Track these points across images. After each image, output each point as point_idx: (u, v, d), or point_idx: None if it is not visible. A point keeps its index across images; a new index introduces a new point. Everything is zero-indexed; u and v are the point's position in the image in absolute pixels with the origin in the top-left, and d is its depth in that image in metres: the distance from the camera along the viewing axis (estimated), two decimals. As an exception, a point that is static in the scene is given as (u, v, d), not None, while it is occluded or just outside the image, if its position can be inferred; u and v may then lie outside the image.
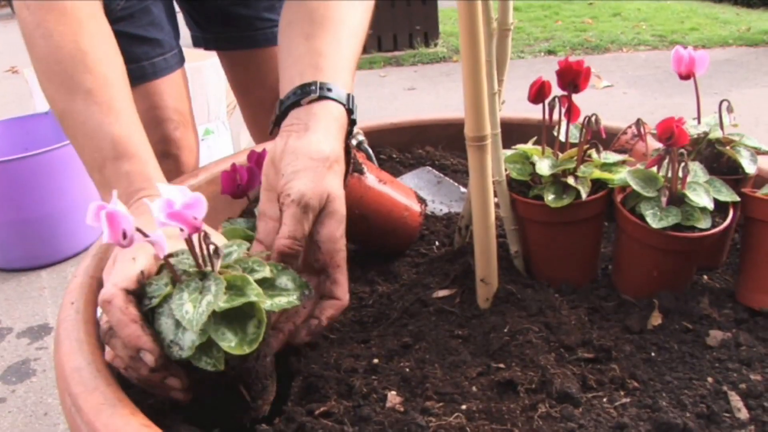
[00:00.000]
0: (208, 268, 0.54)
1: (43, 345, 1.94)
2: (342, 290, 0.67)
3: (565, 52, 4.97)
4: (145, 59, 1.15)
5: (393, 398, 0.60)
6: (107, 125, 0.74)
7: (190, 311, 0.51)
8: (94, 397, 0.54)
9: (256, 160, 0.75)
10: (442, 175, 0.99)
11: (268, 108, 1.33)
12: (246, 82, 1.36)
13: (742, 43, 4.90)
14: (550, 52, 5.00)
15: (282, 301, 0.55)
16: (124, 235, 0.51)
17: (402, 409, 0.59)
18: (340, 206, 0.67)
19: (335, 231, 0.67)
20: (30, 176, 2.18)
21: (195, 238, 0.54)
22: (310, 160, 0.67)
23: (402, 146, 1.10)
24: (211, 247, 0.54)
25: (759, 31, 5.09)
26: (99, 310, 0.63)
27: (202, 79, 2.61)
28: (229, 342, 0.52)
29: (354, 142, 0.96)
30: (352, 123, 0.76)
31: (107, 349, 0.58)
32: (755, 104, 3.47)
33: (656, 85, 4.11)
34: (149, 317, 0.55)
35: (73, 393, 0.55)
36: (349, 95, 0.75)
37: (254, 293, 0.52)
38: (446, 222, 0.89)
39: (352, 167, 0.76)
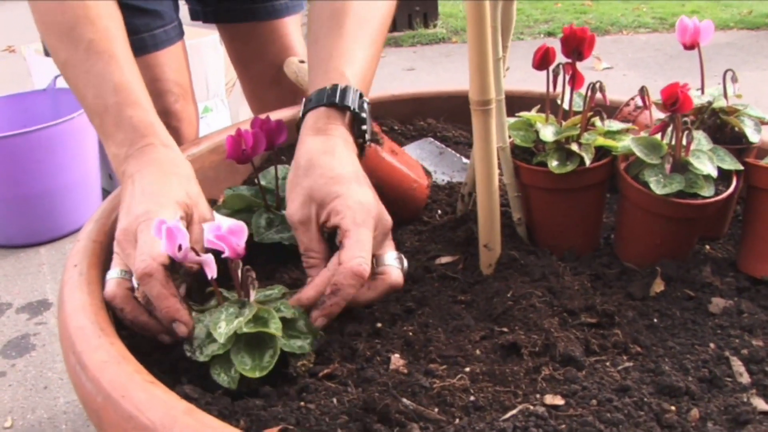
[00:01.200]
0: (245, 299, 0.61)
1: (42, 320, 1.95)
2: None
3: (531, 36, 4.96)
4: (145, 31, 1.14)
5: (396, 361, 0.60)
6: (109, 73, 0.75)
7: (222, 327, 0.59)
8: (99, 354, 0.54)
9: (261, 125, 0.75)
10: (443, 146, 0.99)
11: (268, 82, 1.32)
12: (246, 57, 1.35)
13: (743, 27, 4.88)
14: (549, 34, 4.98)
15: (296, 343, 0.61)
16: (180, 248, 0.59)
17: (406, 371, 0.59)
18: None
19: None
20: (29, 153, 2.18)
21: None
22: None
23: (403, 118, 1.09)
24: (249, 278, 0.61)
25: (760, 14, 5.06)
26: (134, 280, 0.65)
27: (201, 56, 2.60)
28: (245, 365, 0.59)
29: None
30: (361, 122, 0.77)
31: (107, 289, 0.65)
32: (756, 87, 3.46)
33: (656, 67, 4.09)
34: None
35: (77, 351, 0.55)
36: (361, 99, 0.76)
37: (275, 326, 0.59)
38: (448, 191, 0.89)
39: (369, 137, 0.77)
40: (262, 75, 1.32)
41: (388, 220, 0.71)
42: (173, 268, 0.64)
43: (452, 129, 1.07)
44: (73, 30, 0.77)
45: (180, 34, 1.22)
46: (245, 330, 0.58)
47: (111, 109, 0.74)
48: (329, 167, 0.70)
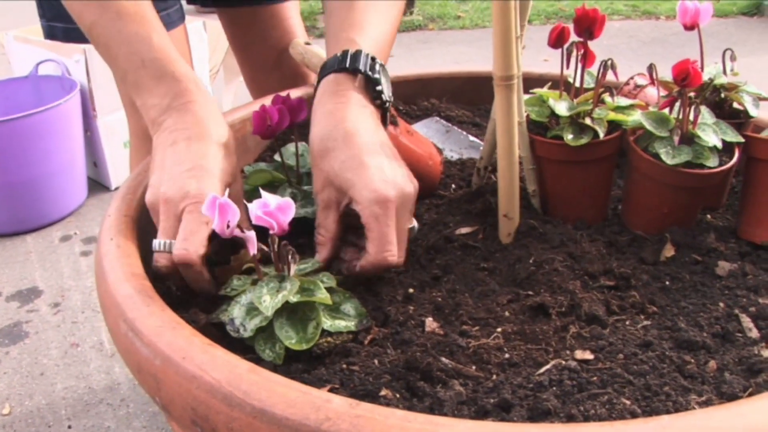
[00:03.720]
0: (285, 273, 0.63)
1: (33, 308, 1.94)
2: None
3: (540, 21, 5.00)
4: None
5: (430, 324, 0.63)
6: (145, 32, 0.76)
7: (267, 300, 0.60)
8: (152, 320, 0.56)
9: (283, 102, 0.77)
10: (450, 124, 1.02)
11: (269, 67, 1.33)
12: (246, 41, 1.35)
13: (713, 14, 4.98)
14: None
15: (341, 324, 0.63)
16: (228, 225, 0.61)
17: (442, 332, 0.62)
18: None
19: None
20: (12, 140, 2.16)
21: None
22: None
23: (407, 98, 1.12)
24: (289, 253, 0.62)
25: (728, 2, 5.17)
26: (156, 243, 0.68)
27: (184, 43, 2.59)
28: (290, 339, 0.60)
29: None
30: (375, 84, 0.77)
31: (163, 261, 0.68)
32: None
33: (630, 53, 4.17)
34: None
35: (129, 318, 0.57)
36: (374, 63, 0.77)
37: (322, 294, 0.61)
38: (460, 167, 0.92)
39: (389, 98, 0.78)
40: (263, 60, 1.33)
41: (409, 192, 0.69)
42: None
43: (455, 109, 1.10)
44: None
45: (182, 17, 1.23)
46: (293, 300, 0.60)
47: (149, 64, 0.75)
48: (343, 145, 0.70)
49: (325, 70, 0.77)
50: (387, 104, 0.78)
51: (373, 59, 0.77)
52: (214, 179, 0.70)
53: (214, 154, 0.72)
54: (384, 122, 0.77)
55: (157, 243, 0.67)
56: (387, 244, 0.66)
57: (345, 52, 0.76)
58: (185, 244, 0.65)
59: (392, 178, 0.69)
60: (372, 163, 0.69)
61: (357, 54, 0.76)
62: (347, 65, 0.75)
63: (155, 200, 0.70)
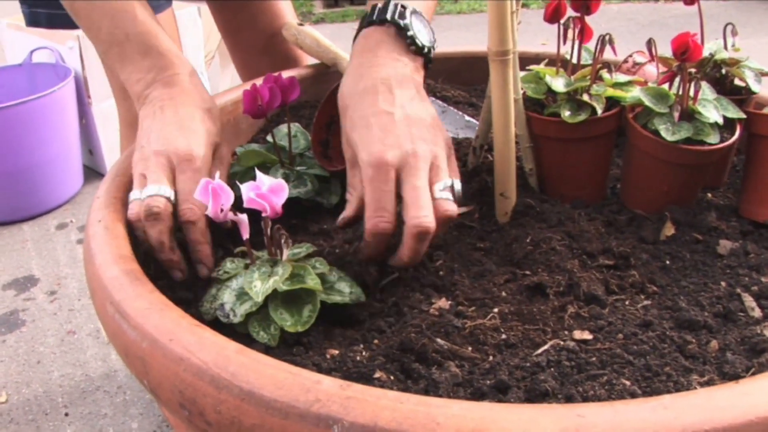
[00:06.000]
0: (278, 257, 0.62)
1: (30, 296, 1.93)
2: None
3: (537, 5, 4.97)
4: None
5: (426, 304, 0.62)
6: (130, 8, 0.77)
7: (258, 286, 0.58)
8: (139, 302, 0.55)
9: (274, 81, 0.75)
10: (445, 104, 1.00)
11: (260, 51, 1.32)
12: (236, 26, 1.33)
13: (712, -4, 4.95)
14: (523, 5, 4.98)
15: (336, 298, 0.62)
16: (221, 210, 0.60)
17: (437, 313, 0.60)
18: None
19: None
20: (8, 128, 2.14)
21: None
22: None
23: (403, 80, 1.10)
24: (282, 237, 0.61)
25: (728, -17, 5.13)
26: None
27: (179, 29, 2.56)
28: (285, 322, 0.58)
29: None
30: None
31: (132, 209, 0.68)
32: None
33: (629, 36, 4.14)
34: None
35: (115, 300, 0.55)
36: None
37: (312, 281, 0.59)
38: (456, 146, 0.90)
39: (428, 42, 0.76)
40: (254, 44, 1.31)
41: (420, 151, 0.64)
42: None
43: (451, 89, 1.09)
44: None
45: (169, 2, 1.21)
46: (284, 288, 0.58)
47: (133, 38, 0.75)
48: (358, 102, 0.68)
49: (358, 27, 0.77)
50: (426, 49, 0.75)
51: (404, 7, 0.74)
52: (200, 138, 0.71)
53: (201, 117, 0.74)
54: (426, 67, 0.76)
55: (151, 188, 0.67)
56: (378, 210, 0.62)
57: (373, 6, 0.75)
58: (189, 204, 0.66)
59: (396, 139, 0.65)
60: (379, 122, 0.66)
61: (386, 5, 0.74)
62: (374, 18, 0.74)
63: (143, 156, 0.70)
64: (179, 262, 0.67)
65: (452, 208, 0.64)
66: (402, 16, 0.73)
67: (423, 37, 0.74)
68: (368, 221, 0.63)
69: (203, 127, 0.73)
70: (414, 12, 0.75)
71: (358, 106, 0.68)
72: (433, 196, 0.63)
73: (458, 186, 0.66)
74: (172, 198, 0.68)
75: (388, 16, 0.73)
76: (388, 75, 0.70)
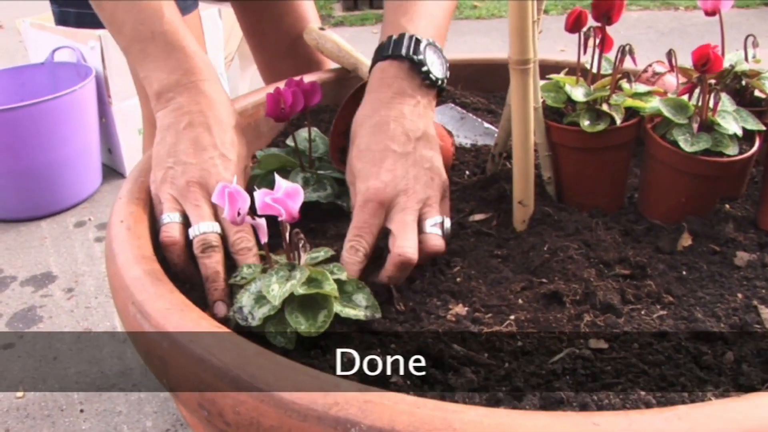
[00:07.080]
0: (296, 262, 0.62)
1: (47, 293, 1.95)
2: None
3: (557, 11, 4.96)
4: None
5: (443, 310, 0.63)
6: (157, 6, 0.76)
7: (276, 289, 0.59)
8: (161, 303, 0.55)
9: (296, 85, 0.76)
10: (464, 111, 1.01)
11: (283, 54, 1.33)
12: (260, 28, 1.35)
13: (734, 5, 4.92)
14: (545, 12, 4.99)
15: (351, 312, 0.61)
16: (239, 213, 0.60)
17: (454, 319, 0.61)
18: None
19: None
20: (29, 126, 2.17)
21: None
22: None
23: (422, 85, 1.11)
24: (300, 242, 0.62)
25: (750, -8, 5.10)
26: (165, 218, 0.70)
27: (199, 30, 2.59)
28: (300, 325, 0.59)
29: None
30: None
31: (169, 232, 0.68)
32: (746, 63, 3.50)
33: (648, 44, 4.12)
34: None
35: (137, 300, 0.56)
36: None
37: (329, 287, 0.60)
38: (474, 153, 0.91)
39: (441, 76, 0.78)
40: (277, 47, 1.32)
41: (411, 189, 0.69)
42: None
43: (470, 96, 1.09)
44: None
45: (196, 2, 1.23)
46: (300, 292, 0.59)
47: (159, 36, 0.75)
48: (367, 135, 0.72)
49: (375, 57, 0.78)
50: (439, 81, 0.77)
51: (418, 40, 0.76)
52: (235, 167, 0.73)
53: (232, 140, 0.75)
54: (439, 95, 0.78)
55: (196, 228, 0.68)
56: (353, 236, 0.67)
57: (389, 38, 0.76)
58: (241, 231, 0.68)
59: (394, 179, 0.69)
60: (382, 159, 0.70)
61: (400, 38, 0.76)
62: (390, 52, 0.75)
63: (174, 180, 0.70)
64: (227, 294, 0.66)
65: (440, 243, 0.69)
66: (416, 51, 0.75)
67: (436, 71, 0.77)
68: (346, 243, 0.67)
69: (236, 155, 0.74)
70: (429, 45, 0.77)
71: (367, 138, 0.72)
72: (424, 231, 0.68)
73: (448, 224, 0.71)
74: (220, 231, 0.69)
75: (403, 52, 0.75)
76: (401, 114, 0.73)
